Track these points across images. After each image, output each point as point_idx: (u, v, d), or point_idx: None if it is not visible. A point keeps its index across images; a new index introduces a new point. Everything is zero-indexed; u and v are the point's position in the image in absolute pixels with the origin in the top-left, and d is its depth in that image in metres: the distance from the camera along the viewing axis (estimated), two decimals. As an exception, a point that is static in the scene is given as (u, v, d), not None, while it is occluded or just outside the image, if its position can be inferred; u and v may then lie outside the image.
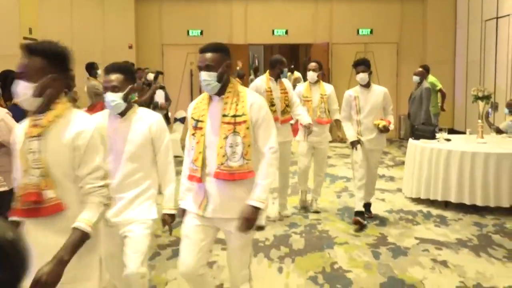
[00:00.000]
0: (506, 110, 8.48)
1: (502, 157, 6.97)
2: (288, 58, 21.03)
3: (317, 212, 7.17)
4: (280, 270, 5.19)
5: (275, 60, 6.69)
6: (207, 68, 3.34)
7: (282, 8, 14.56)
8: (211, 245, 3.57)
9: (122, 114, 3.57)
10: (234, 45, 14.37)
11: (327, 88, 7.18)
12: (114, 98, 3.49)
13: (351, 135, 6.53)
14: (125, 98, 3.53)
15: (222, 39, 14.32)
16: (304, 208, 7.34)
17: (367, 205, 6.92)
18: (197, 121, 3.42)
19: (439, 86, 10.93)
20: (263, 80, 6.61)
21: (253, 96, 3.47)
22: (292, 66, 16.93)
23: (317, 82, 7.13)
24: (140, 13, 14.46)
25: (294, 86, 15.69)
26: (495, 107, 8.86)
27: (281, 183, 6.92)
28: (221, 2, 14.55)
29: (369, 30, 14.62)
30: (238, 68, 12.40)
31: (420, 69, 10.23)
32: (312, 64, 7.18)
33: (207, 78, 3.33)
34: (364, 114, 6.48)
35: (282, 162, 6.48)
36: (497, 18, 11.78)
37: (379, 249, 5.76)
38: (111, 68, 3.61)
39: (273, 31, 14.71)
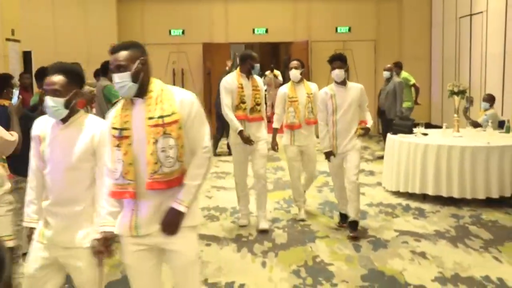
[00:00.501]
0: (487, 105, 8.54)
1: (477, 150, 7.03)
2: (268, 57, 21.13)
3: (302, 220, 6.55)
4: (263, 264, 5.18)
5: (245, 55, 6.24)
6: (118, 68, 2.91)
7: (262, 7, 14.55)
8: (159, 267, 3.14)
9: (65, 120, 3.10)
10: (216, 44, 14.36)
11: (312, 87, 6.64)
12: (54, 104, 3.01)
13: (325, 146, 6.00)
14: (67, 104, 3.04)
15: (203, 38, 14.39)
16: (302, 221, 6.56)
17: (352, 223, 5.96)
18: (121, 129, 2.94)
19: (412, 81, 11.05)
20: (234, 77, 6.14)
21: (181, 92, 3.03)
22: (272, 65, 16.96)
23: (300, 81, 6.56)
24: (122, 13, 14.36)
25: (277, 83, 15.70)
26: (470, 101, 8.92)
27: (256, 189, 6.31)
28: (202, 2, 14.50)
29: (347, 28, 14.66)
30: (227, 68, 12.38)
31: (389, 65, 10.43)
32: (294, 63, 6.62)
33: (120, 79, 2.90)
34: (340, 113, 5.90)
35: (256, 161, 6.22)
36: (470, 15, 11.87)
37: (360, 242, 5.77)
38: (54, 69, 3.11)
39: (253, 30, 14.70)
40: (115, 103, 7.62)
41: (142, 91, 2.95)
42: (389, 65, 10.52)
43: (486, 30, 11.12)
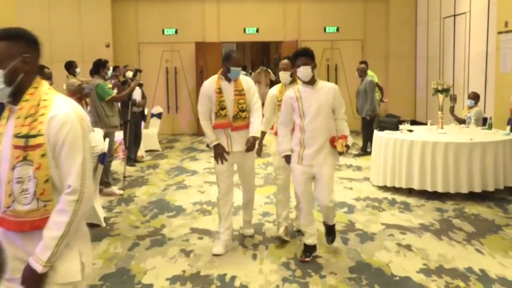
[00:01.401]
0: (472, 102, 8.56)
1: (460, 146, 7.06)
2: (259, 55, 21.10)
3: (285, 239, 5.53)
4: (254, 257, 5.17)
5: (224, 55, 5.25)
6: None
7: (253, 7, 14.53)
8: None
9: None
10: (208, 43, 14.33)
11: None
12: None
13: (284, 148, 4.95)
14: None
15: (196, 37, 14.36)
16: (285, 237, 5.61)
17: (329, 228, 5.31)
18: None
19: (376, 80, 11.11)
20: (213, 80, 5.21)
21: (59, 106, 2.24)
22: (263, 63, 16.96)
23: (293, 81, 5.50)
24: (117, 12, 14.29)
25: (267, 81, 15.59)
26: (454, 99, 8.96)
27: (244, 198, 5.72)
28: (195, 2, 14.45)
29: (335, 28, 14.66)
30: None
31: (362, 65, 10.49)
32: (284, 62, 5.53)
33: None
34: (308, 118, 4.79)
35: (243, 176, 5.53)
36: (454, 15, 11.91)
37: (348, 235, 5.78)
38: None
39: (244, 30, 14.67)
40: (109, 100, 7.65)
41: (17, 98, 2.27)
42: (361, 65, 10.64)
43: (469, 30, 11.16)
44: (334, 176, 4.99)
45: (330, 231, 5.30)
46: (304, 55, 4.82)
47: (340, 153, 4.83)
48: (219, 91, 5.14)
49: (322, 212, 5.24)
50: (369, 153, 10.36)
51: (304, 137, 4.82)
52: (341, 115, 4.92)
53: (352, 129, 5.71)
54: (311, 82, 4.87)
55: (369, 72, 10.86)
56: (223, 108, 5.14)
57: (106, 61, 8.17)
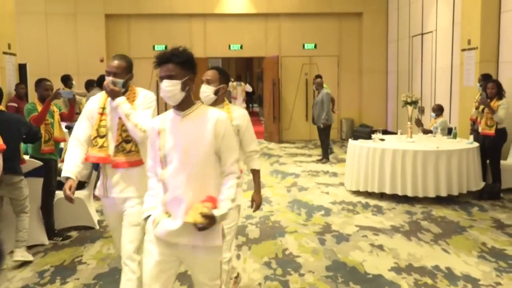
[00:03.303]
0: (433, 114, 8.67)
1: (428, 154, 7.12)
2: (243, 70, 21.07)
3: None
4: (238, 256, 5.14)
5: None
6: None
7: (237, 25, 14.58)
8: None
9: None
10: (195, 58, 14.31)
11: (236, 115, 3.64)
12: None
13: (146, 207, 2.74)
14: None
15: (184, 53, 14.34)
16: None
17: None
18: None
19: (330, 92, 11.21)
20: (100, 97, 3.54)
21: None
22: (239, 77, 17.00)
23: (219, 103, 3.65)
24: (110, 29, 14.24)
25: (238, 93, 15.42)
26: (422, 110, 9.03)
27: (123, 277, 3.36)
28: (182, 20, 14.46)
29: (313, 44, 14.75)
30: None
31: (318, 79, 10.64)
32: (206, 73, 3.71)
33: None
34: (172, 166, 2.57)
35: (122, 236, 3.38)
36: (422, 34, 12.04)
37: (324, 236, 5.78)
38: None
39: (229, 46, 14.69)
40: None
41: None
42: (317, 80, 10.75)
43: (435, 47, 11.29)
44: (219, 266, 2.69)
45: None
46: (172, 62, 2.64)
47: (198, 226, 2.46)
48: (102, 112, 3.46)
49: None
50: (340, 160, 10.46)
51: (167, 198, 2.60)
52: (229, 165, 2.65)
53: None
54: (183, 105, 2.65)
55: (325, 85, 10.98)
56: (101, 135, 3.42)
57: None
